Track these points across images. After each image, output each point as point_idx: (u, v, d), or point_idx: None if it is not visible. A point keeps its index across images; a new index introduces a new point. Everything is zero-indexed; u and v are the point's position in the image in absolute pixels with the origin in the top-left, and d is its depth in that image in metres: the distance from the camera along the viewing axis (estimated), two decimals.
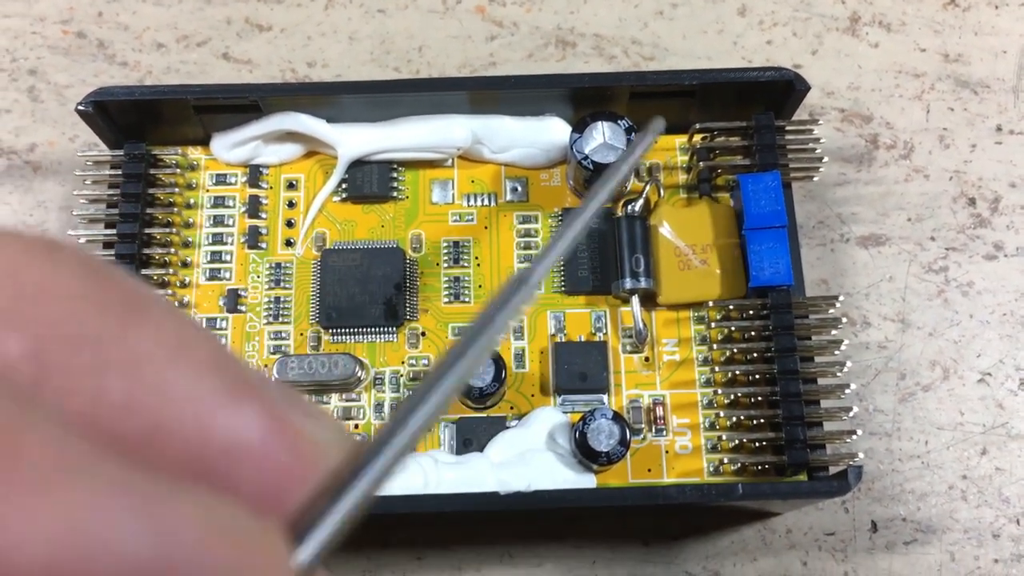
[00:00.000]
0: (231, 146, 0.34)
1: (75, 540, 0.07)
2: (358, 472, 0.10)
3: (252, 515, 0.09)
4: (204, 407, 0.09)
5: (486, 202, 0.34)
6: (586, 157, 0.31)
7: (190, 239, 0.33)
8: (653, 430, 0.31)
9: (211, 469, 0.09)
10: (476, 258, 0.33)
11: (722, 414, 0.31)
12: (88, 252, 0.10)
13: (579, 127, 0.32)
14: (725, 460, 0.30)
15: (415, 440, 0.11)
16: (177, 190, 0.33)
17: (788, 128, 0.33)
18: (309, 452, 0.10)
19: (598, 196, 0.23)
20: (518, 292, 0.15)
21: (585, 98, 0.33)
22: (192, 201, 0.34)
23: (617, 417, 0.29)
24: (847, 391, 0.30)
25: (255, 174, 0.34)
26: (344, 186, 0.34)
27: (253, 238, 0.33)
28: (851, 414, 0.29)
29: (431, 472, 0.29)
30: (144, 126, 0.33)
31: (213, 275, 0.33)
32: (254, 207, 0.34)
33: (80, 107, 0.31)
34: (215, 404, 0.09)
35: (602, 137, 0.32)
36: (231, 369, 0.09)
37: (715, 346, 0.32)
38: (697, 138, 0.34)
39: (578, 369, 0.31)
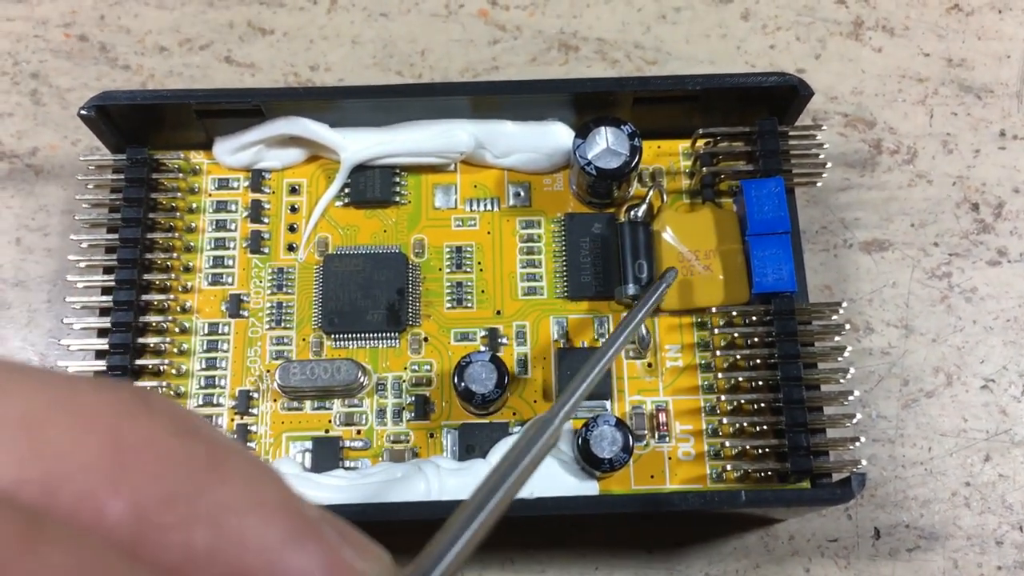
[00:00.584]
0: (233, 150, 0.33)
1: None
2: None
3: None
4: (275, 552, 0.10)
5: (489, 207, 0.34)
6: (589, 163, 0.31)
7: (192, 244, 0.33)
8: (656, 436, 0.31)
9: None
10: (479, 263, 0.33)
11: (725, 420, 0.31)
12: (175, 404, 0.11)
13: (582, 132, 0.32)
14: (728, 467, 0.30)
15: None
16: (179, 195, 0.33)
17: (791, 133, 0.33)
18: None
19: (615, 345, 0.24)
20: (542, 435, 0.16)
21: (588, 103, 0.33)
22: (194, 206, 0.34)
23: (620, 424, 0.29)
24: (850, 398, 0.29)
25: (257, 179, 0.34)
26: (347, 191, 0.34)
27: (255, 243, 0.33)
28: (854, 421, 0.29)
29: (433, 478, 0.29)
30: (146, 130, 0.33)
31: (215, 280, 0.33)
32: (256, 212, 0.34)
33: (83, 112, 0.31)
34: (284, 547, 0.10)
35: (605, 142, 0.32)
36: (295, 511, 0.11)
37: (718, 352, 0.32)
38: (700, 143, 0.33)
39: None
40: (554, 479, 0.29)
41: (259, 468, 0.11)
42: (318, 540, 0.11)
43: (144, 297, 0.31)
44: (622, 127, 0.32)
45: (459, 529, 0.13)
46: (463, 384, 0.30)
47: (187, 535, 0.10)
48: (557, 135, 0.33)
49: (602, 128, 0.32)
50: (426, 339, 0.32)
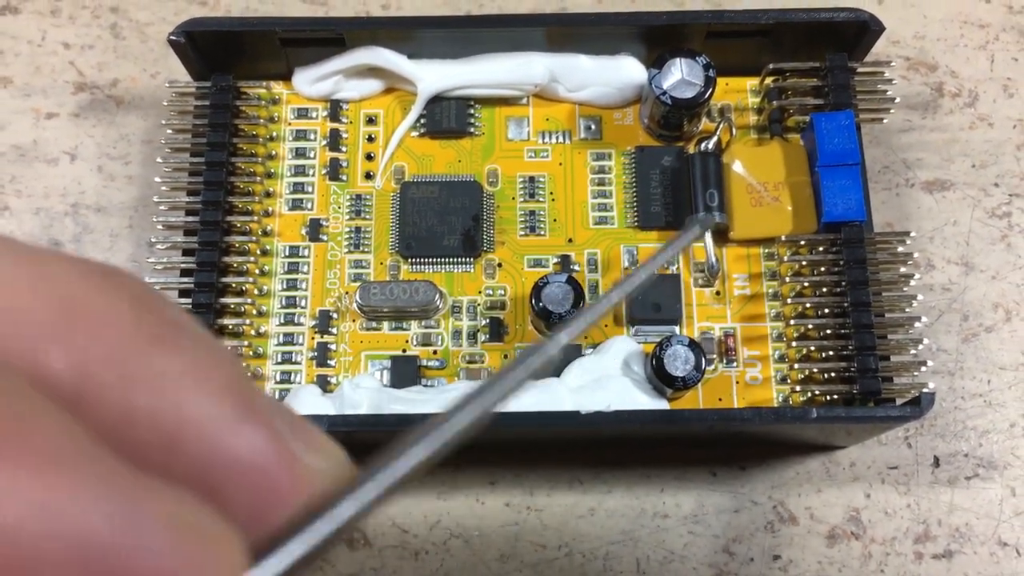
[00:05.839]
0: (313, 80, 0.34)
1: (45, 511, 0.08)
2: (336, 502, 0.10)
3: (220, 522, 0.09)
4: (214, 427, 0.10)
5: (561, 139, 0.35)
6: (664, 92, 0.32)
7: (273, 170, 0.34)
8: (724, 361, 0.32)
9: (212, 481, 0.10)
10: (551, 193, 0.34)
11: (794, 344, 0.31)
12: (140, 281, 0.11)
13: (657, 63, 0.33)
14: (797, 388, 0.31)
15: (403, 480, 0.11)
16: (260, 122, 0.34)
17: (859, 70, 0.33)
18: (302, 476, 0.11)
19: (634, 279, 0.24)
20: (541, 351, 0.15)
21: (660, 37, 0.33)
22: (275, 134, 0.35)
23: (693, 344, 0.30)
24: (917, 324, 0.30)
25: (335, 109, 0.35)
26: (422, 121, 0.34)
27: (334, 170, 0.34)
28: (921, 346, 0.30)
29: None
30: (229, 59, 0.34)
31: (295, 205, 0.34)
32: (335, 141, 0.35)
33: (172, 37, 0.32)
34: (224, 424, 0.10)
35: (680, 73, 0.32)
36: (244, 394, 0.11)
37: (786, 279, 0.32)
38: (769, 80, 0.34)
39: (652, 300, 0.32)
40: (627, 397, 0.30)
41: (212, 349, 0.11)
42: (263, 426, 0.10)
43: (228, 218, 0.32)
44: (697, 58, 0.32)
45: (426, 434, 0.11)
46: (540, 304, 0.31)
47: (127, 395, 0.10)
48: (629, 70, 0.34)
49: (677, 59, 0.32)
50: (500, 264, 0.33)
